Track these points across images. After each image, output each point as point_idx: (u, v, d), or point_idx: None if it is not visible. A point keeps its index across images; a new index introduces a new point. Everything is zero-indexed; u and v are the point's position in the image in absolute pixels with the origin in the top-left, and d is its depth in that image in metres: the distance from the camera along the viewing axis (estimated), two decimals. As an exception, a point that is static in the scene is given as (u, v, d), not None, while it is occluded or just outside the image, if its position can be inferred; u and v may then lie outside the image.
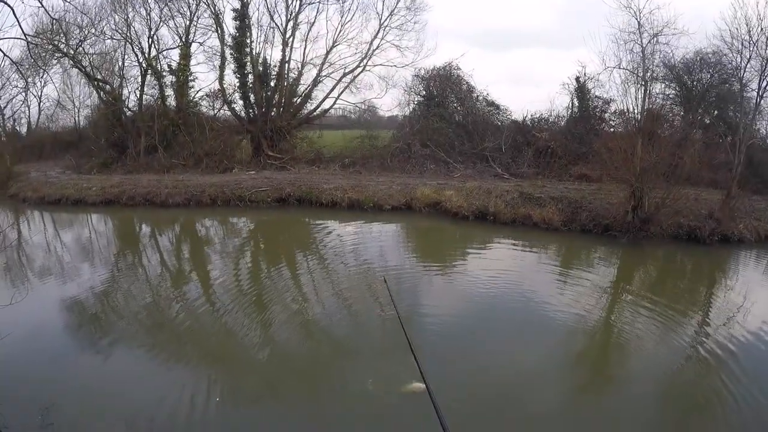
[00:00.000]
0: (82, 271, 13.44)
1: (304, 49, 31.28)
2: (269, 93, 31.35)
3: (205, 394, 7.10)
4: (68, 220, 21.36)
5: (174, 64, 31.88)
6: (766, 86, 17.31)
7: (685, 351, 8.92)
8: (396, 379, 7.31)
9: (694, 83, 26.63)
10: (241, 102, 32.27)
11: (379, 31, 30.79)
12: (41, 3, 9.22)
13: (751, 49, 17.27)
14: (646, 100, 17.83)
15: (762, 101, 18.22)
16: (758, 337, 9.28)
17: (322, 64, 31.17)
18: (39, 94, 41.43)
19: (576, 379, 8.07)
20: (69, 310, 10.51)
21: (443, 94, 31.13)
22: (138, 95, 32.38)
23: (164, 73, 32.04)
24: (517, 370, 7.92)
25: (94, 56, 31.16)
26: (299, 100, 32.25)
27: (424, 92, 31.66)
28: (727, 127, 25.10)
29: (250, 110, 31.95)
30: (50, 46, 27.53)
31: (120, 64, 32.57)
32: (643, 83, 17.59)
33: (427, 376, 3.57)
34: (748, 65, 17.67)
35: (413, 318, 9.74)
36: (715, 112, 27.22)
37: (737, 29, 17.38)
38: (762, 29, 16.82)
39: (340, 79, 31.53)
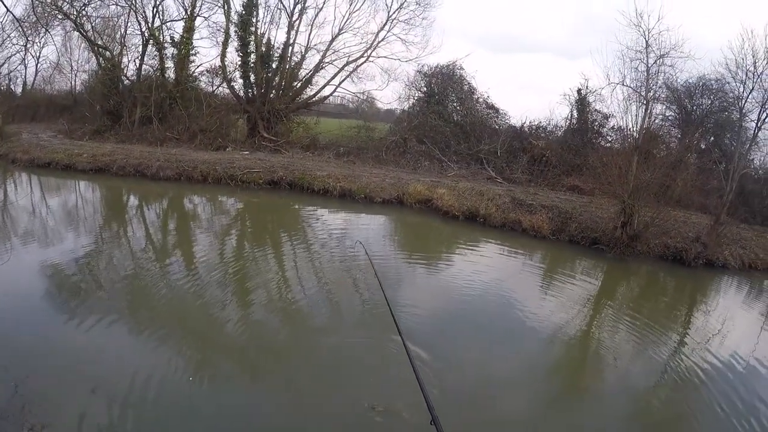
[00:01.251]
0: (65, 238, 13.28)
1: (310, 33, 31.19)
2: (270, 74, 31.20)
3: (181, 371, 7.00)
4: (56, 185, 21.09)
5: (177, 37, 31.74)
6: (765, 118, 17.47)
7: (660, 369, 8.97)
8: (376, 364, 7.48)
9: (694, 108, 26.82)
10: (240, 81, 32.09)
11: (386, 23, 30.75)
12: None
13: (755, 80, 17.40)
14: (646, 119, 17.85)
15: (760, 132, 18.35)
16: (731, 363, 9.33)
17: (326, 50, 31.08)
18: (37, 54, 41.07)
19: (550, 387, 8.03)
20: (49, 276, 10.35)
21: (444, 92, 31.21)
22: (137, 64, 32.23)
23: (166, 45, 31.87)
24: (490, 374, 7.88)
25: (96, 21, 30.95)
26: (299, 84, 32.14)
27: (425, 89, 31.70)
28: (722, 154, 25.33)
29: (249, 90, 31.78)
30: (54, 6, 27.28)
31: (122, 31, 32.41)
32: (644, 102, 17.61)
33: (413, 357, 3.57)
34: (750, 96, 17.80)
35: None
36: (712, 138, 27.43)
37: (743, 59, 17.49)
38: (768, 62, 16.96)
39: (342, 68, 31.47)
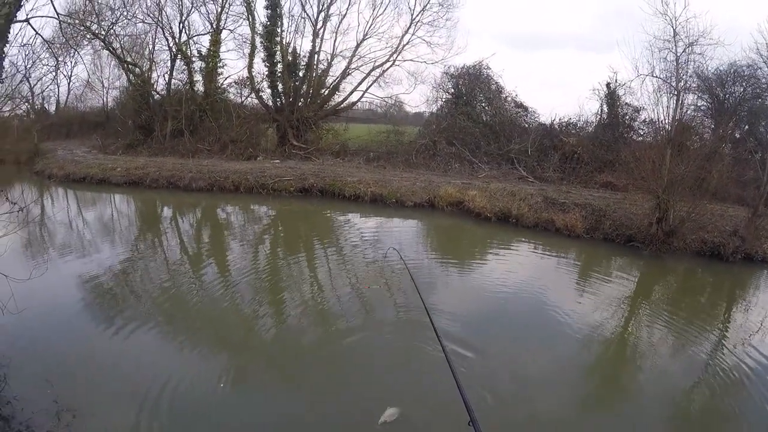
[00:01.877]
0: (101, 250, 13.61)
1: (335, 40, 31.50)
2: (297, 83, 31.50)
3: (215, 378, 7.17)
4: (91, 198, 21.61)
5: (204, 50, 32.22)
6: (800, 103, 17.12)
7: (701, 369, 8.79)
8: (411, 366, 7.58)
9: (727, 96, 26.25)
10: (268, 90, 32.49)
11: (410, 26, 30.83)
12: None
13: (787, 65, 17.05)
14: (678, 110, 17.52)
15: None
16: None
17: (352, 56, 31.28)
18: (69, 74, 41.89)
19: (588, 388, 8.01)
20: (86, 287, 10.65)
21: (471, 93, 31.08)
22: (167, 79, 32.91)
23: (194, 59, 32.43)
24: (525, 374, 7.86)
25: (125, 39, 31.53)
26: (327, 91, 32.34)
27: (453, 90, 31.62)
28: (758, 143, 24.73)
29: (278, 99, 32.13)
30: (82, 27, 27.78)
31: (150, 47, 33.02)
32: (675, 93, 17.30)
33: (451, 360, 3.58)
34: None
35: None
36: (746, 126, 26.79)
37: (774, 43, 17.15)
38: (800, 45, 16.61)
39: (368, 73, 31.60)
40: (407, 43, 31.09)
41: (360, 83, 31.97)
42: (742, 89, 26.08)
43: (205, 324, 9.14)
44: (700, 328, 10.56)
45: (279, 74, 31.22)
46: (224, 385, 7.02)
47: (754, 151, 23.37)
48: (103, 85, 42.52)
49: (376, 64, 31.41)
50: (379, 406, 6.45)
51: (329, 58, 31.56)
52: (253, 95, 32.88)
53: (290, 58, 31.10)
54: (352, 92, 32.39)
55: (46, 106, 42.73)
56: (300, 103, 31.36)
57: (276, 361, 8.02)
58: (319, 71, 31.63)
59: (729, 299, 13.53)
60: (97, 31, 29.06)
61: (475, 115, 30.20)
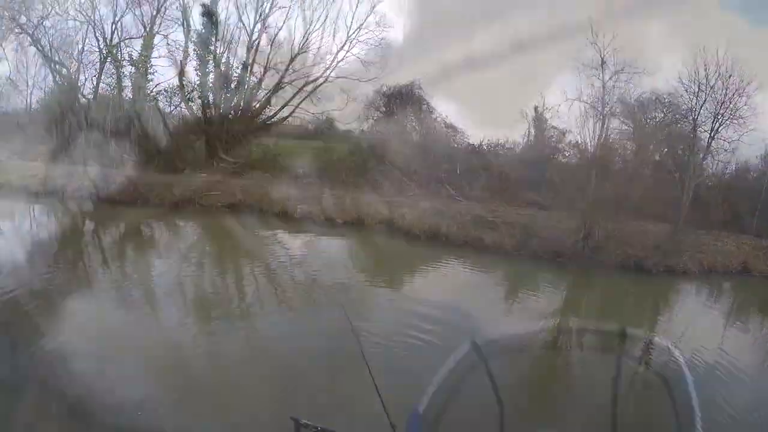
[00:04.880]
0: (21, 268, 12.71)
1: (269, 53, 30.92)
2: (229, 95, 30.85)
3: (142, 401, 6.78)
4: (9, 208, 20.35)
5: (135, 54, 31.12)
6: (717, 128, 17.97)
7: (627, 377, 8.94)
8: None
9: (648, 121, 27.29)
10: (199, 101, 31.57)
11: (345, 43, 30.64)
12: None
13: (707, 92, 17.86)
14: (603, 133, 18.06)
15: (713, 142, 18.81)
16: (694, 367, 9.38)
17: (285, 70, 30.76)
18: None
19: (517, 402, 7.96)
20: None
21: (403, 112, 31.13)
22: (94, 83, 31.46)
23: (124, 63, 31.19)
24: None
25: (54, 35, 30.19)
26: (258, 105, 31.80)
27: (384, 108, 31.61)
28: (676, 165, 25.75)
29: (208, 111, 31.28)
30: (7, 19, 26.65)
31: (80, 47, 31.63)
32: (600, 117, 17.83)
33: (380, 390, 3.43)
34: (703, 108, 18.29)
35: (349, 334, 9.47)
36: (665, 149, 27.86)
37: (696, 73, 18.00)
38: (720, 75, 17.45)
39: (301, 88, 31.11)
40: (341, 60, 30.94)
41: (292, 98, 31.41)
42: (662, 115, 27.20)
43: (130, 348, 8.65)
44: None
45: (210, 85, 30.57)
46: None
47: (673, 172, 24.35)
48: (27, 85, 40.47)
49: (310, 79, 31.12)
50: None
51: (262, 70, 31.06)
52: (182, 105, 31.99)
53: (223, 69, 30.52)
54: (283, 107, 31.85)
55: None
56: (230, 116, 30.75)
57: (206, 390, 7.66)
58: (252, 84, 31.14)
59: (652, 310, 14.06)
60: (23, 24, 27.81)
61: (406, 134, 30.32)
